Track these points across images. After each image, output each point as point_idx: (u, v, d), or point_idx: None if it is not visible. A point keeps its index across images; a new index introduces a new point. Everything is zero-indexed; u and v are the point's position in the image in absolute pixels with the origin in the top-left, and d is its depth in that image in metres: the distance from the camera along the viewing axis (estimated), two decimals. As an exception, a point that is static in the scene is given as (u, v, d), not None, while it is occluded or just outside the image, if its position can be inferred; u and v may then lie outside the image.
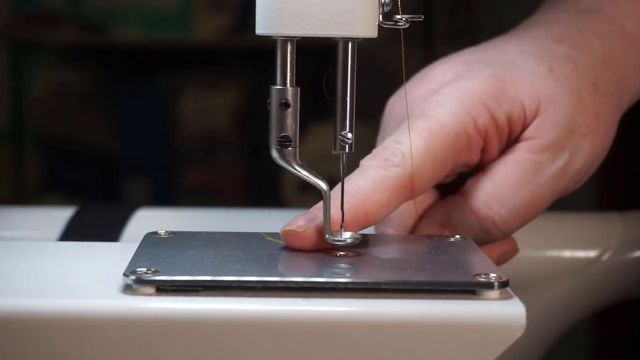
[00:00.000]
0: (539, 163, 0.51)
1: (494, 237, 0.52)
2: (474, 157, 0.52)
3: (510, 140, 0.53)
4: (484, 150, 0.52)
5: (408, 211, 0.53)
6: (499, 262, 0.54)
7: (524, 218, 0.52)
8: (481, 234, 0.52)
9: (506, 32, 0.58)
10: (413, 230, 0.53)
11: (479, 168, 0.54)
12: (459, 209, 0.52)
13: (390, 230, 0.52)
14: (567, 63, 0.53)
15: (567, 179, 0.52)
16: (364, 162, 0.50)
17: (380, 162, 0.49)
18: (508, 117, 0.52)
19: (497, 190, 0.51)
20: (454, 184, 0.55)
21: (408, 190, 0.49)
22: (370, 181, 0.48)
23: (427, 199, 0.54)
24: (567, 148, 0.52)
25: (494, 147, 0.52)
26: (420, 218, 0.54)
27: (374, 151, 0.50)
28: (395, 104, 0.56)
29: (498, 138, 0.52)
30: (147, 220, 0.66)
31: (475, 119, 0.51)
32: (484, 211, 0.52)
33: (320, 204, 0.47)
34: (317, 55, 0.98)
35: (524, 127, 0.52)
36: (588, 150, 0.52)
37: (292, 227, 0.46)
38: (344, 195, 0.47)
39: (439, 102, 0.52)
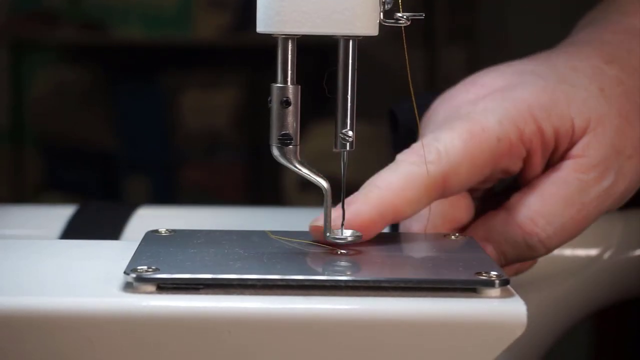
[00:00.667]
0: (586, 182, 0.52)
1: (538, 254, 0.53)
2: (516, 166, 0.52)
3: (556, 155, 0.53)
4: (526, 161, 0.52)
5: (439, 212, 0.52)
6: (517, 272, 0.55)
7: (568, 236, 0.52)
8: (526, 250, 0.52)
9: (553, 47, 0.58)
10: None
11: (521, 181, 0.54)
12: (504, 224, 0.52)
13: (416, 226, 0.52)
14: (617, 85, 0.53)
15: (611, 199, 0.52)
16: (399, 156, 0.50)
17: (415, 158, 0.49)
18: (555, 131, 0.52)
19: (544, 208, 0.51)
20: (493, 199, 0.55)
21: (440, 189, 0.49)
22: (402, 177, 0.48)
23: (466, 212, 0.54)
24: (613, 169, 0.52)
25: (538, 160, 0.52)
26: (462, 231, 0.54)
27: (412, 146, 0.50)
28: (440, 106, 0.55)
29: (542, 151, 0.52)
30: (147, 219, 0.66)
31: (522, 128, 0.51)
32: (531, 227, 0.51)
33: (351, 197, 0.47)
34: (318, 53, 0.98)
35: (571, 144, 0.52)
36: (633, 171, 0.53)
37: (320, 223, 0.46)
38: (373, 190, 0.47)
39: (486, 108, 0.52)
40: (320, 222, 0.46)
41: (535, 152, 0.52)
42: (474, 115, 0.51)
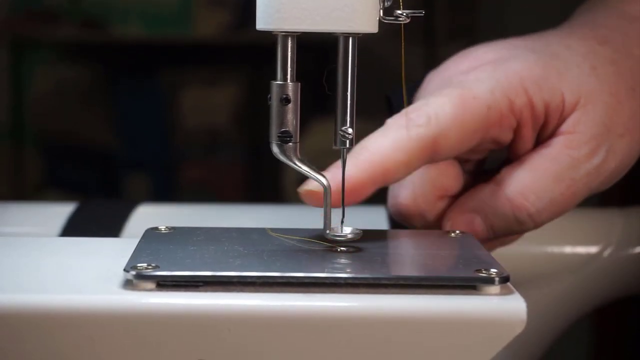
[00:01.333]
0: (577, 159, 0.52)
1: (526, 228, 0.53)
2: (506, 137, 0.52)
3: (546, 130, 0.53)
4: (516, 132, 0.52)
5: (428, 179, 0.53)
6: (503, 244, 0.55)
7: (557, 211, 0.53)
8: (514, 224, 0.52)
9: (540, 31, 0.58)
10: (439, 213, 0.54)
11: (511, 154, 0.54)
12: (494, 197, 0.52)
13: (404, 193, 0.52)
14: (609, 64, 0.54)
15: (602, 177, 0.53)
16: (390, 120, 0.50)
17: (404, 122, 0.49)
18: (546, 105, 0.52)
19: (534, 182, 0.52)
20: (484, 175, 0.55)
21: (429, 152, 0.49)
22: (391, 140, 0.48)
23: (455, 181, 0.55)
24: (604, 146, 0.52)
25: (528, 132, 0.52)
26: (450, 204, 0.54)
27: (402, 110, 0.51)
28: (433, 78, 0.56)
29: (532, 123, 0.52)
30: (148, 216, 0.65)
31: (513, 99, 0.51)
32: (520, 201, 0.52)
33: (339, 162, 0.47)
34: (318, 51, 0.98)
35: (561, 119, 0.52)
36: (624, 150, 0.53)
37: (310, 187, 0.46)
38: (363, 153, 0.47)
39: (478, 77, 0.52)
40: (311, 186, 0.46)
41: (525, 123, 0.52)
42: (465, 84, 0.51)
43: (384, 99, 0.60)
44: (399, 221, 0.55)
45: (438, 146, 0.50)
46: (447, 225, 0.53)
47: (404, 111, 0.50)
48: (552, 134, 0.53)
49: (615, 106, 0.53)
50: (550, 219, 0.53)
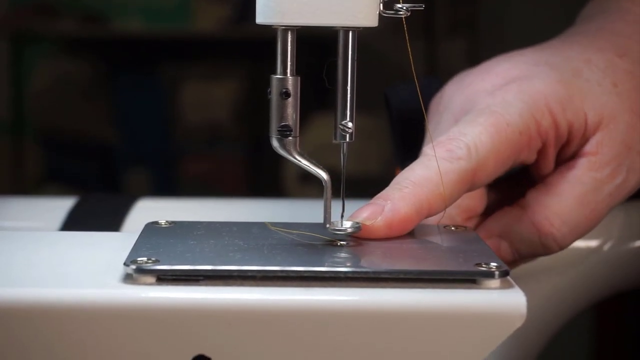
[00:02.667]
0: (600, 180, 0.52)
1: (551, 252, 0.53)
2: (532, 158, 0.53)
3: (567, 149, 0.53)
4: (540, 152, 0.53)
5: (455, 202, 0.52)
6: (524, 262, 0.55)
7: (581, 234, 0.53)
8: (540, 248, 0.53)
9: (564, 32, 0.58)
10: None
11: (534, 173, 0.54)
12: (520, 222, 0.53)
13: (433, 219, 0.52)
14: (629, 79, 0.54)
15: (622, 195, 0.53)
16: (427, 150, 0.50)
17: (445, 154, 0.49)
18: (569, 125, 0.52)
19: (560, 208, 0.52)
20: (501, 187, 0.56)
21: (469, 184, 0.50)
22: (435, 173, 0.48)
23: (480, 201, 0.55)
24: (625, 165, 0.53)
25: (551, 152, 0.53)
26: (476, 227, 0.54)
27: (438, 140, 0.50)
28: (454, 94, 0.55)
29: (555, 143, 0.52)
30: (148, 211, 0.66)
31: (539, 121, 0.51)
32: (547, 228, 0.52)
33: (385, 192, 0.47)
34: (319, 45, 0.98)
35: (583, 139, 0.53)
36: None
37: (359, 220, 0.46)
38: (409, 186, 0.47)
39: (505, 100, 0.52)
40: (356, 219, 0.46)
41: (549, 144, 0.52)
42: (495, 109, 0.51)
43: (383, 97, 0.60)
44: None
45: (477, 177, 0.50)
46: None
47: (441, 140, 0.50)
48: (574, 154, 0.53)
49: (634, 123, 0.53)
50: (574, 240, 0.53)
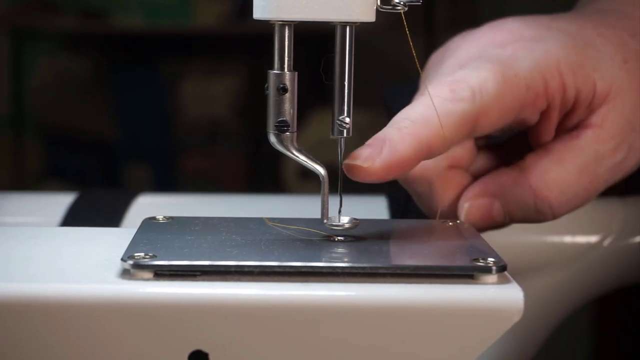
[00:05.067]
0: (602, 154, 0.51)
1: (544, 219, 0.52)
2: (534, 118, 0.52)
3: (572, 116, 0.52)
4: (543, 115, 0.52)
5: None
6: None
7: (577, 205, 0.52)
8: (533, 213, 0.52)
9: (572, 11, 0.57)
10: (446, 184, 0.52)
11: (533, 136, 0.53)
12: (517, 184, 0.52)
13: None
14: (638, 58, 0.53)
15: (621, 173, 0.53)
16: (431, 90, 0.48)
17: (448, 94, 0.48)
18: (577, 91, 0.51)
19: (559, 175, 0.51)
20: (495, 151, 0.55)
21: (470, 128, 0.48)
22: (434, 113, 0.46)
23: (468, 154, 0.53)
24: (627, 143, 0.52)
25: (554, 116, 0.52)
26: (460, 177, 0.53)
27: (441, 80, 0.49)
28: (462, 44, 0.54)
29: (560, 108, 0.51)
30: (148, 207, 0.65)
31: (548, 81, 0.50)
32: (544, 193, 0.51)
33: (383, 133, 0.46)
34: (320, 41, 0.97)
35: (589, 109, 0.52)
36: None
37: (357, 162, 0.45)
38: (408, 126, 0.46)
39: (516, 55, 0.51)
40: (355, 161, 0.45)
41: (554, 107, 0.51)
42: (504, 59, 0.50)
43: (382, 96, 0.60)
44: (402, 184, 0.53)
45: (478, 123, 0.48)
46: (464, 206, 0.52)
47: (444, 81, 0.49)
48: (577, 124, 0.52)
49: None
50: (568, 211, 0.52)
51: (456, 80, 0.49)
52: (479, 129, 0.49)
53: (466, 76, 0.49)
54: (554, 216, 0.52)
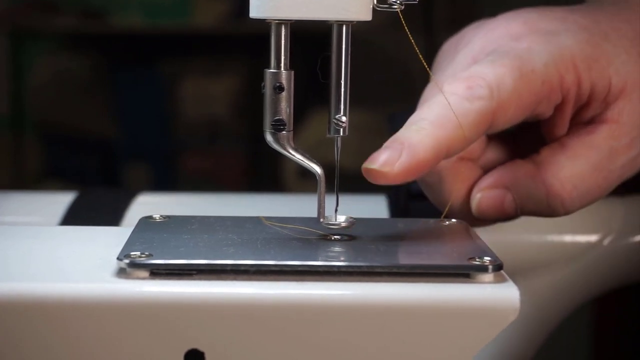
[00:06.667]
0: (616, 149, 0.51)
1: (556, 214, 0.52)
2: (548, 111, 0.51)
3: (586, 111, 0.52)
4: (557, 108, 0.51)
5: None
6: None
7: (589, 201, 0.52)
8: (545, 208, 0.52)
9: (586, 2, 0.57)
10: (456, 176, 0.52)
11: (546, 130, 0.53)
12: (530, 179, 0.51)
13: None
14: None
15: (633, 170, 0.52)
16: (448, 88, 0.47)
17: (465, 92, 0.47)
18: (592, 86, 0.51)
19: (573, 171, 0.51)
20: (506, 141, 0.54)
21: (488, 125, 0.48)
22: (452, 113, 0.46)
23: (479, 146, 0.53)
24: None
25: (568, 110, 0.51)
26: (470, 170, 0.53)
27: (458, 76, 0.49)
28: (476, 35, 0.53)
29: (575, 102, 0.51)
30: (148, 206, 0.65)
31: (563, 75, 0.50)
32: (557, 189, 0.51)
33: (402, 135, 0.45)
34: (319, 40, 0.97)
35: (604, 104, 0.51)
36: None
37: (376, 166, 0.45)
38: (427, 127, 0.45)
39: (532, 49, 0.50)
40: (373, 165, 0.45)
41: (568, 101, 0.51)
42: (520, 54, 0.50)
43: (387, 120, 0.59)
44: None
45: (495, 120, 0.48)
46: (477, 196, 0.52)
47: (460, 77, 0.48)
48: (591, 118, 0.52)
49: None
50: (581, 208, 0.52)
51: (472, 77, 0.48)
52: (496, 125, 0.49)
53: (482, 72, 0.48)
54: (566, 212, 0.52)
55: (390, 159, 0.45)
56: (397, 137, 0.46)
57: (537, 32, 0.52)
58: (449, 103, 0.46)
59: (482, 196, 0.52)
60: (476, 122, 0.47)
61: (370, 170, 0.45)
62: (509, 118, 0.49)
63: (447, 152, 0.46)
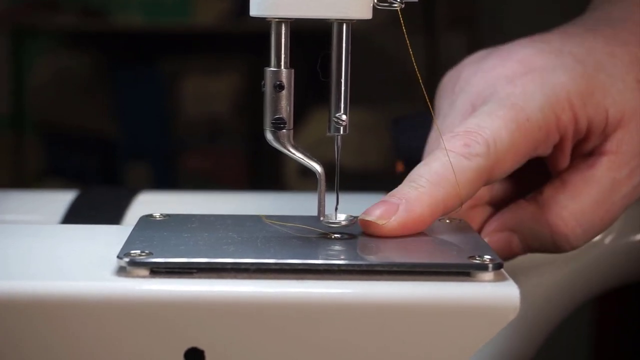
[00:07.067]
0: (618, 180, 0.52)
1: (563, 250, 0.53)
2: (548, 151, 0.52)
3: (586, 144, 0.52)
4: (557, 146, 0.52)
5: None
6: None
7: (594, 235, 0.53)
8: (551, 246, 0.53)
9: (584, 16, 0.57)
10: (472, 222, 0.53)
11: (550, 167, 0.53)
12: (534, 219, 0.52)
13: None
14: None
15: (636, 197, 0.53)
16: (447, 144, 0.48)
17: (462, 149, 0.48)
18: (589, 121, 0.51)
19: (576, 209, 0.52)
20: (517, 180, 0.55)
21: (485, 181, 0.49)
22: (450, 171, 0.47)
23: (487, 190, 0.54)
24: None
25: (568, 145, 0.52)
26: (487, 219, 0.54)
27: (455, 131, 0.49)
28: (472, 75, 0.54)
29: (573, 137, 0.52)
30: (148, 204, 0.65)
31: (559, 115, 0.51)
32: (562, 229, 0.52)
33: (400, 191, 0.46)
34: (321, 39, 0.97)
35: (603, 135, 0.52)
36: None
37: (372, 218, 0.45)
38: (425, 185, 0.46)
39: (526, 92, 0.51)
40: (369, 217, 0.46)
41: (567, 139, 0.52)
42: (515, 101, 0.50)
43: (391, 126, 0.59)
44: None
45: (493, 174, 0.49)
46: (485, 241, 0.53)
47: (459, 133, 0.49)
48: (592, 150, 0.52)
49: None
50: (586, 242, 0.53)
51: (469, 132, 0.49)
52: (493, 178, 0.50)
53: (479, 126, 0.49)
54: (572, 248, 0.53)
55: (387, 213, 0.46)
56: (395, 193, 0.47)
57: (532, 70, 0.52)
58: (449, 161, 0.47)
59: (489, 240, 0.53)
60: (473, 179, 0.48)
61: (366, 222, 0.46)
62: (506, 169, 0.50)
63: (444, 209, 0.47)
